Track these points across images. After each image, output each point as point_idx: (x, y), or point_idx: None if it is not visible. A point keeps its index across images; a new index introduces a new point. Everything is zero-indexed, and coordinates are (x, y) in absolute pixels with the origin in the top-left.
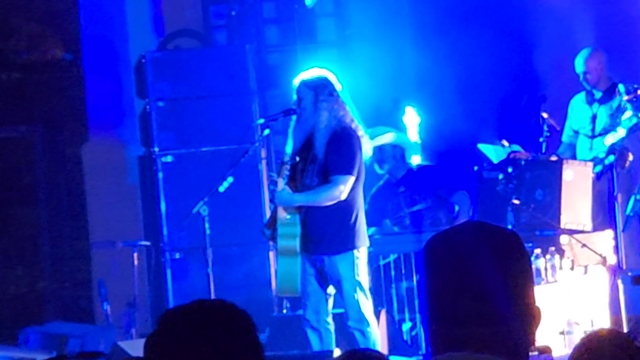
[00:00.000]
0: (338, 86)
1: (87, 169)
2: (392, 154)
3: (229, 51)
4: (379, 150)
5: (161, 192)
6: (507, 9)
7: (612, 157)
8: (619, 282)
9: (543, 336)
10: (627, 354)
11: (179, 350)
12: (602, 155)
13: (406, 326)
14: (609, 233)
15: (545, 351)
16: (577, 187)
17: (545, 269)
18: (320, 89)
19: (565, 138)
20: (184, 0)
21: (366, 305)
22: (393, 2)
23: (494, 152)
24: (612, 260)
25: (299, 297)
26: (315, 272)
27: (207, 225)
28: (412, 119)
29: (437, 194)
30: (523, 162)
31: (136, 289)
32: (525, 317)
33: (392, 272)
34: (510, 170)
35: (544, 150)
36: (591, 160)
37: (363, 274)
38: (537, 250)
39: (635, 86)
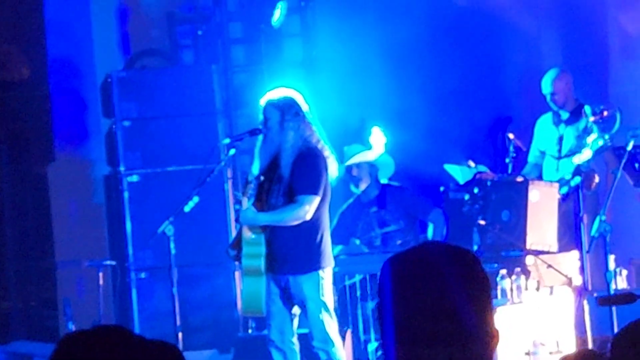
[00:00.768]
0: (305, 106)
1: (52, 188)
2: (368, 172)
3: (195, 71)
4: (356, 167)
5: (127, 211)
6: (474, 30)
7: (578, 179)
8: (585, 303)
9: (508, 357)
10: None
11: None
12: (568, 177)
13: (372, 346)
14: (574, 254)
15: None
16: (543, 208)
17: (511, 289)
18: (287, 108)
19: (531, 158)
20: (150, 20)
21: (331, 325)
22: (360, 23)
23: (460, 172)
24: (577, 281)
25: (264, 317)
26: (280, 292)
27: (172, 245)
28: (378, 139)
29: (410, 215)
30: (489, 183)
31: (101, 308)
32: (485, 337)
33: (358, 292)
34: (476, 190)
35: (510, 171)
36: (557, 181)
37: (328, 294)
38: (503, 271)
39: (602, 107)
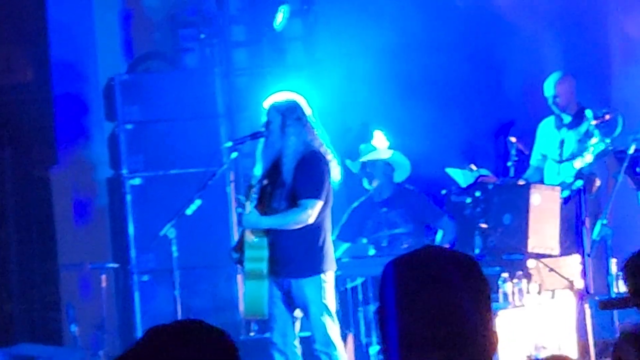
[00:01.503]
0: (308, 110)
1: (55, 191)
2: (383, 171)
3: (197, 74)
4: (371, 165)
5: (129, 214)
6: (476, 33)
7: (580, 182)
8: (586, 306)
9: None
10: None
11: None
12: (569, 180)
13: (373, 349)
14: (576, 257)
15: None
16: (544, 211)
17: (513, 293)
18: (289, 113)
19: (533, 162)
20: (153, 23)
21: (333, 328)
22: (362, 27)
23: (462, 176)
24: (579, 284)
25: (266, 320)
26: (282, 295)
27: (174, 248)
28: (380, 143)
29: (419, 220)
30: (491, 186)
31: (104, 311)
32: (485, 341)
33: (360, 296)
34: (478, 194)
35: (511, 175)
36: (559, 184)
37: (330, 298)
38: (505, 275)
39: (604, 111)
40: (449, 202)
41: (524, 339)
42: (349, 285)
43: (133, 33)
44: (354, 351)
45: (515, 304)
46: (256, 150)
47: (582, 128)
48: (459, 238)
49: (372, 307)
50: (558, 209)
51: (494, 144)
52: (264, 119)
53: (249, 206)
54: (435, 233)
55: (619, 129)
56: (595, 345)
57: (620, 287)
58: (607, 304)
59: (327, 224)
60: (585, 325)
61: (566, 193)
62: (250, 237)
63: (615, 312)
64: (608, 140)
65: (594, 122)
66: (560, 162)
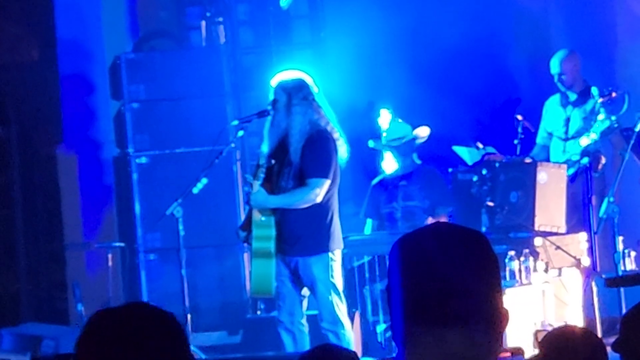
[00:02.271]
0: (314, 89)
1: (61, 170)
2: (414, 149)
3: (203, 53)
4: (407, 143)
5: (135, 193)
6: (481, 11)
7: (586, 160)
8: (593, 284)
9: (516, 338)
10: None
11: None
12: (575, 158)
13: (380, 328)
14: (583, 235)
15: (517, 352)
16: (551, 189)
17: (520, 270)
18: (295, 92)
19: (539, 140)
20: (159, 2)
21: (340, 307)
22: (368, 4)
23: (468, 154)
24: (586, 262)
25: (273, 298)
26: (290, 274)
27: (181, 227)
28: (386, 121)
29: (436, 200)
30: (497, 164)
31: (110, 290)
32: (494, 318)
33: (367, 274)
34: (484, 172)
35: (518, 153)
36: (565, 162)
37: (337, 276)
38: (511, 252)
39: (610, 89)
40: (456, 180)
41: (531, 316)
42: (356, 264)
43: (139, 11)
44: (360, 329)
45: (522, 281)
46: (263, 129)
47: (588, 106)
48: (466, 216)
49: (379, 286)
50: (564, 186)
51: (500, 121)
52: (270, 97)
53: (257, 185)
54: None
55: (625, 107)
56: (602, 322)
57: (627, 265)
58: (613, 282)
59: (335, 203)
60: (592, 302)
61: (572, 171)
62: (257, 216)
63: (622, 289)
64: (614, 118)
65: (600, 100)
66: (566, 139)
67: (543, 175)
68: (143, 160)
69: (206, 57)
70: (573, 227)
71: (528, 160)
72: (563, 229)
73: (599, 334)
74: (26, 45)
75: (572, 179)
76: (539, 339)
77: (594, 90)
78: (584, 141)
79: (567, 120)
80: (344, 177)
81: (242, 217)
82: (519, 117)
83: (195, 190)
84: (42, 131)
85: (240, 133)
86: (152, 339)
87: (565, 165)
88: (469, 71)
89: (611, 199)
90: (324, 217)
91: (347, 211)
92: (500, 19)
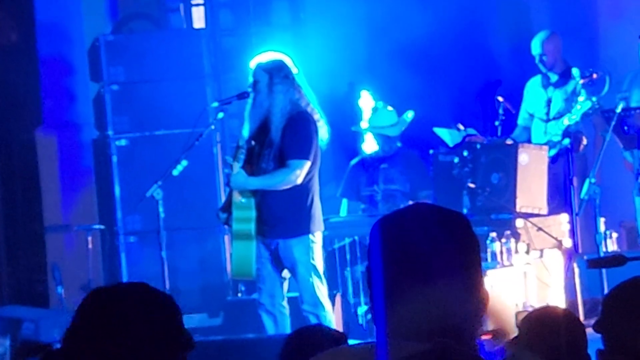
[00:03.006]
0: (294, 70)
1: (41, 153)
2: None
3: (183, 35)
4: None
5: (115, 175)
6: None
7: (567, 141)
8: (575, 265)
9: (498, 319)
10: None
11: (94, 331)
12: (556, 139)
13: (361, 310)
14: (564, 217)
15: (498, 334)
16: (532, 170)
17: (501, 252)
18: (276, 71)
19: (520, 121)
20: None
21: (321, 289)
22: None
23: (449, 135)
24: (567, 243)
25: (253, 280)
26: (270, 256)
27: (161, 209)
28: (367, 103)
29: (417, 184)
30: (478, 146)
31: (90, 272)
32: (475, 299)
33: (348, 256)
34: (465, 153)
35: (499, 134)
36: (546, 143)
37: (318, 258)
38: (493, 234)
39: (591, 70)
40: (437, 161)
41: (513, 298)
42: (337, 246)
43: None
44: (341, 311)
45: (504, 263)
46: (244, 112)
47: (569, 87)
48: (447, 198)
49: (360, 268)
50: (546, 168)
51: (481, 103)
52: (250, 79)
53: (237, 167)
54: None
55: (606, 88)
56: (584, 304)
57: (609, 246)
58: (595, 263)
59: (315, 185)
60: (574, 284)
61: (553, 152)
62: (237, 198)
63: (603, 270)
64: (595, 99)
65: (581, 81)
66: (547, 121)
67: (524, 156)
68: (123, 142)
69: (186, 39)
70: (554, 208)
71: (509, 141)
72: (544, 211)
73: (581, 316)
74: (4, 28)
75: (553, 160)
76: (519, 320)
77: (575, 71)
78: (566, 122)
79: (549, 101)
80: (324, 159)
81: (223, 199)
82: (500, 99)
83: (175, 172)
84: (21, 114)
85: (220, 115)
86: (147, 318)
87: (546, 147)
88: (449, 52)
89: (592, 180)
90: (305, 199)
91: (328, 193)
92: (481, 0)
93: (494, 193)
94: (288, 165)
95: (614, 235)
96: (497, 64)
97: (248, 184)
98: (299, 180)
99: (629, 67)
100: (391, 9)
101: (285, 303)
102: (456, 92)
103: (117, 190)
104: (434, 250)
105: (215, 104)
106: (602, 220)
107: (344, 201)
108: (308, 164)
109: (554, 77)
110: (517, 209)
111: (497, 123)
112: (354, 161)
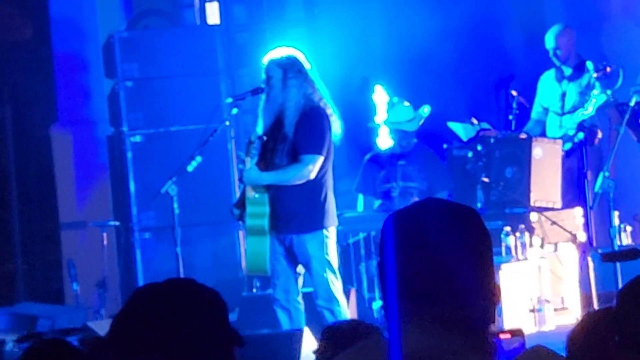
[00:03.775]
0: (307, 65)
1: (56, 149)
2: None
3: (197, 30)
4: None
5: (130, 172)
6: None
7: (581, 135)
8: (589, 259)
9: (513, 314)
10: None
11: (145, 327)
12: (571, 133)
13: (376, 305)
14: (578, 210)
15: (517, 334)
16: (546, 164)
17: (515, 246)
18: (289, 66)
19: (534, 114)
20: None
21: (335, 284)
22: None
23: (463, 130)
24: (582, 237)
25: (268, 276)
26: (284, 251)
27: (175, 205)
28: (381, 98)
29: (435, 183)
30: (492, 140)
31: (106, 269)
32: (486, 294)
33: (362, 251)
34: (479, 148)
35: (513, 128)
36: (560, 137)
37: (332, 253)
38: (507, 228)
39: (605, 63)
40: (451, 156)
41: (527, 292)
42: (351, 241)
43: None
44: (356, 306)
45: (518, 257)
46: (257, 108)
47: (583, 80)
48: (461, 192)
49: (374, 263)
50: (560, 162)
51: (495, 97)
52: (263, 75)
53: (250, 162)
54: None
55: (619, 81)
56: (598, 297)
57: (623, 240)
58: (609, 257)
59: (329, 180)
60: (588, 277)
61: (568, 146)
62: (251, 193)
63: (618, 264)
64: (609, 92)
65: (595, 75)
66: (562, 114)
67: (538, 150)
68: (137, 138)
69: (200, 35)
70: (569, 202)
71: (523, 135)
72: (559, 204)
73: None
74: (19, 24)
75: (567, 154)
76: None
77: (589, 64)
78: (590, 110)
79: (563, 95)
80: (338, 154)
81: (237, 195)
82: (514, 93)
83: (189, 169)
84: (36, 111)
85: (234, 111)
86: (195, 315)
87: (560, 141)
88: (463, 47)
89: (607, 174)
90: (319, 194)
91: (342, 188)
92: None
93: (508, 187)
94: (301, 161)
95: (628, 228)
96: (510, 58)
97: (261, 180)
98: (312, 175)
99: None
100: (405, 4)
101: (300, 298)
102: (470, 87)
103: (131, 187)
104: (446, 245)
105: (229, 100)
106: (616, 213)
107: (360, 196)
108: (321, 159)
109: (567, 71)
110: (531, 203)
111: (510, 117)
112: (368, 156)
